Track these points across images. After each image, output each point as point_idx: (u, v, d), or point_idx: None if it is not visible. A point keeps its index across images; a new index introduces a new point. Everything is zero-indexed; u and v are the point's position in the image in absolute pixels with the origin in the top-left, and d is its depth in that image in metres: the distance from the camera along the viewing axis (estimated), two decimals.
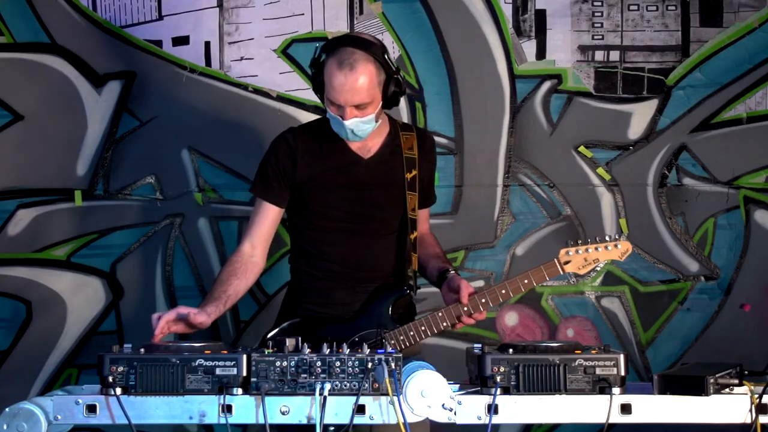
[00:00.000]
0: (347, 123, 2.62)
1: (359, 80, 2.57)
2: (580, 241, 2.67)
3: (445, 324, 2.65)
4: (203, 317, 2.52)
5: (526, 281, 2.65)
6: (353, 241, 2.77)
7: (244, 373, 2.10)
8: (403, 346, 2.62)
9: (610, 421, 2.08)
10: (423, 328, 2.64)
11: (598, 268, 3.70)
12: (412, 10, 3.73)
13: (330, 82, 2.60)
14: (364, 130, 2.67)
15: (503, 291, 2.64)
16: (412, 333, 2.63)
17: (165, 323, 2.46)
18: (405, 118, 3.71)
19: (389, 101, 2.70)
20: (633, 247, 3.67)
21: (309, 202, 2.79)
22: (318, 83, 2.68)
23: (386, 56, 2.65)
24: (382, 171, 2.78)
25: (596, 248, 2.66)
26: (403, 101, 3.71)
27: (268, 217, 2.79)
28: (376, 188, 2.78)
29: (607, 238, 2.67)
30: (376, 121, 2.68)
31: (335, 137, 2.75)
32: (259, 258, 2.79)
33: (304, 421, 2.08)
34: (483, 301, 2.63)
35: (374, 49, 2.63)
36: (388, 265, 2.76)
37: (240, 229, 3.70)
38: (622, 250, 2.68)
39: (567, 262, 2.66)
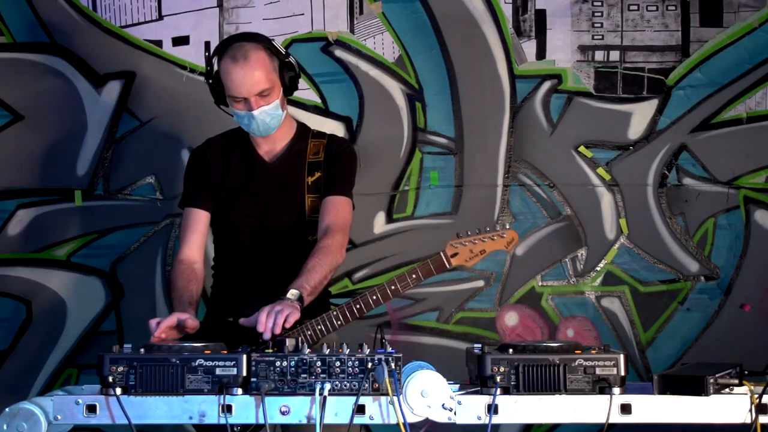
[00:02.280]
0: (256, 113, 2.71)
1: (256, 68, 2.68)
2: (469, 233, 2.67)
3: (339, 322, 2.64)
4: (195, 322, 2.57)
5: (414, 276, 2.65)
6: (262, 244, 2.84)
7: (244, 373, 2.10)
8: (300, 346, 2.61)
9: (610, 421, 2.08)
10: (320, 327, 2.65)
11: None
12: (412, 10, 3.73)
13: (229, 78, 2.69)
14: (274, 118, 2.76)
15: (393, 287, 2.65)
16: (309, 333, 2.64)
17: (166, 328, 2.47)
18: (405, 118, 3.71)
19: (289, 87, 2.79)
20: (633, 247, 3.71)
21: (225, 209, 2.87)
22: (219, 92, 2.76)
23: (273, 43, 2.75)
24: (282, 174, 2.85)
25: (482, 239, 2.67)
26: (403, 101, 3.71)
27: (200, 222, 2.88)
28: (276, 192, 2.84)
29: (497, 228, 2.67)
30: (282, 110, 2.78)
31: (246, 144, 2.87)
32: (201, 264, 2.86)
33: (304, 421, 2.08)
34: (374, 298, 2.65)
35: (260, 39, 2.75)
36: (294, 267, 2.73)
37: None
38: (508, 239, 2.69)
39: (454, 255, 2.66)
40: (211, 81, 2.79)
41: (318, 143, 2.89)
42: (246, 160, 2.87)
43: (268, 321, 2.43)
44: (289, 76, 2.77)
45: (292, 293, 2.56)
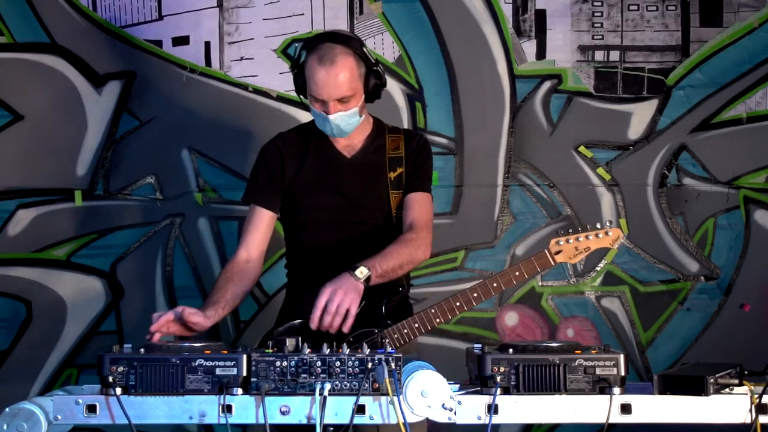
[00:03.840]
0: (332, 117, 2.66)
1: (340, 74, 2.62)
2: (570, 231, 2.65)
3: (438, 320, 2.62)
4: (199, 318, 2.50)
5: (517, 273, 2.62)
6: (344, 241, 2.77)
7: (244, 373, 2.10)
8: (397, 345, 2.61)
9: (610, 421, 2.08)
10: (417, 325, 2.62)
11: (605, 264, 3.70)
12: (412, 10, 3.73)
13: (312, 78, 2.64)
14: (349, 124, 2.71)
15: (495, 284, 2.61)
16: (406, 331, 2.61)
17: (165, 322, 2.46)
18: (405, 118, 3.71)
19: (371, 94, 2.74)
20: (633, 247, 3.71)
21: (300, 205, 2.80)
22: (300, 83, 2.73)
23: (365, 49, 2.70)
24: (365, 170, 2.80)
25: (587, 237, 2.63)
26: (403, 101, 3.71)
27: (262, 222, 2.81)
28: (359, 188, 2.79)
29: (597, 226, 2.65)
30: (360, 116, 2.73)
31: (322, 138, 2.80)
32: (256, 264, 2.79)
33: (304, 421, 2.08)
34: (475, 295, 2.61)
35: (352, 43, 2.68)
36: None
37: (240, 229, 3.70)
38: (613, 237, 2.64)
39: (558, 252, 2.63)
40: (296, 71, 2.73)
41: (396, 138, 2.84)
42: (323, 154, 2.80)
43: (325, 318, 2.42)
44: (373, 84, 2.71)
45: (360, 271, 2.53)
